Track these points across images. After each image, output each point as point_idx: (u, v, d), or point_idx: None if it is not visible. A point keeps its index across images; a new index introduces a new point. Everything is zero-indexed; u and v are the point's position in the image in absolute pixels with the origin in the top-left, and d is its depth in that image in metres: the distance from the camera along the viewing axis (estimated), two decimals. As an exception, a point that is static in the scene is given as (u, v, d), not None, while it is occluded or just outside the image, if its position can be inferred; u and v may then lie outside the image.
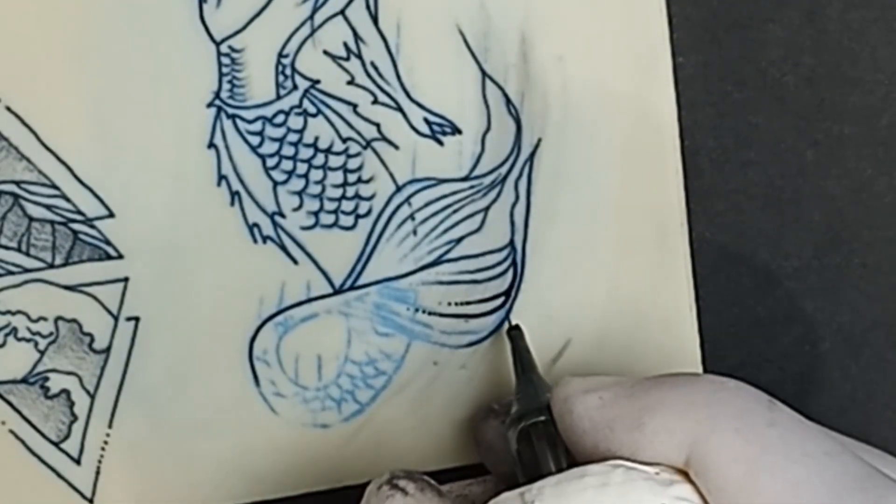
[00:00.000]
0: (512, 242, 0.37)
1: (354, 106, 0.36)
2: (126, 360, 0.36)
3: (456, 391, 0.38)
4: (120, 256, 0.36)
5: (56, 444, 0.37)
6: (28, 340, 0.36)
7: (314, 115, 0.36)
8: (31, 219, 0.35)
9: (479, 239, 0.37)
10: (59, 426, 0.37)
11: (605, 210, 0.38)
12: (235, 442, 0.37)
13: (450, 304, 0.37)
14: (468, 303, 0.37)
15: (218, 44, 0.35)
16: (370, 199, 0.37)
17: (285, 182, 0.36)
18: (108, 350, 0.36)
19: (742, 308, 0.40)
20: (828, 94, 0.39)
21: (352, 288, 0.37)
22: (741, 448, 0.27)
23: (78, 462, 0.37)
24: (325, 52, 0.36)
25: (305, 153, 0.36)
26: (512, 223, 0.37)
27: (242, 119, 0.36)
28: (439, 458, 0.38)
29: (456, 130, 0.37)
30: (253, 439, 0.37)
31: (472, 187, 0.37)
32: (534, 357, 0.35)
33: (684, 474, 0.28)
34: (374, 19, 0.36)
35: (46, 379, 0.36)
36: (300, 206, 0.36)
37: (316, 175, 0.36)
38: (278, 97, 0.36)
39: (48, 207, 0.35)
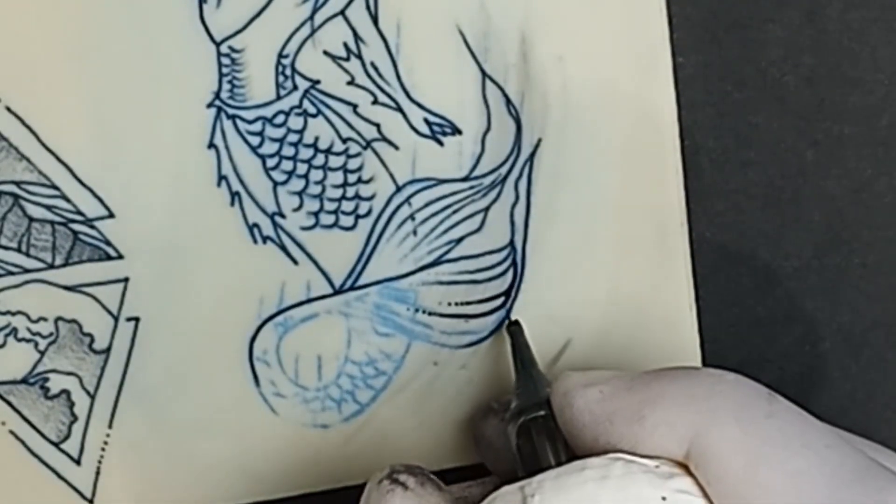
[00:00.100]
0: (512, 242, 0.37)
1: (354, 106, 0.36)
2: (126, 361, 0.36)
3: (456, 391, 0.38)
4: (120, 257, 0.36)
5: (56, 445, 0.37)
6: (28, 341, 0.36)
7: (314, 116, 0.36)
8: (31, 219, 0.36)
9: (479, 239, 0.37)
10: (59, 426, 0.36)
11: (605, 210, 0.38)
12: (235, 442, 0.37)
13: (450, 304, 0.37)
14: (468, 303, 0.37)
15: (218, 44, 0.35)
16: (370, 199, 0.37)
17: (285, 182, 0.36)
18: (108, 350, 0.36)
19: (742, 308, 0.40)
20: (828, 94, 0.39)
21: (352, 288, 0.37)
22: (741, 440, 0.27)
23: (78, 462, 0.37)
24: (325, 53, 0.36)
25: (305, 153, 0.36)
26: (512, 223, 0.37)
27: (242, 119, 0.36)
28: (439, 458, 0.38)
29: (456, 131, 0.37)
30: (253, 439, 0.37)
31: (472, 187, 0.37)
32: (533, 352, 0.35)
33: (684, 467, 0.28)
34: (374, 19, 0.36)
35: (46, 379, 0.36)
36: (300, 207, 0.36)
37: (316, 175, 0.36)
38: (278, 97, 0.36)
39: (48, 208, 0.35)
